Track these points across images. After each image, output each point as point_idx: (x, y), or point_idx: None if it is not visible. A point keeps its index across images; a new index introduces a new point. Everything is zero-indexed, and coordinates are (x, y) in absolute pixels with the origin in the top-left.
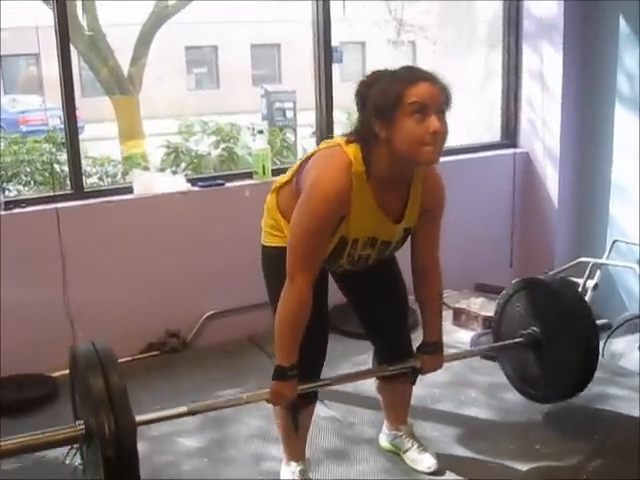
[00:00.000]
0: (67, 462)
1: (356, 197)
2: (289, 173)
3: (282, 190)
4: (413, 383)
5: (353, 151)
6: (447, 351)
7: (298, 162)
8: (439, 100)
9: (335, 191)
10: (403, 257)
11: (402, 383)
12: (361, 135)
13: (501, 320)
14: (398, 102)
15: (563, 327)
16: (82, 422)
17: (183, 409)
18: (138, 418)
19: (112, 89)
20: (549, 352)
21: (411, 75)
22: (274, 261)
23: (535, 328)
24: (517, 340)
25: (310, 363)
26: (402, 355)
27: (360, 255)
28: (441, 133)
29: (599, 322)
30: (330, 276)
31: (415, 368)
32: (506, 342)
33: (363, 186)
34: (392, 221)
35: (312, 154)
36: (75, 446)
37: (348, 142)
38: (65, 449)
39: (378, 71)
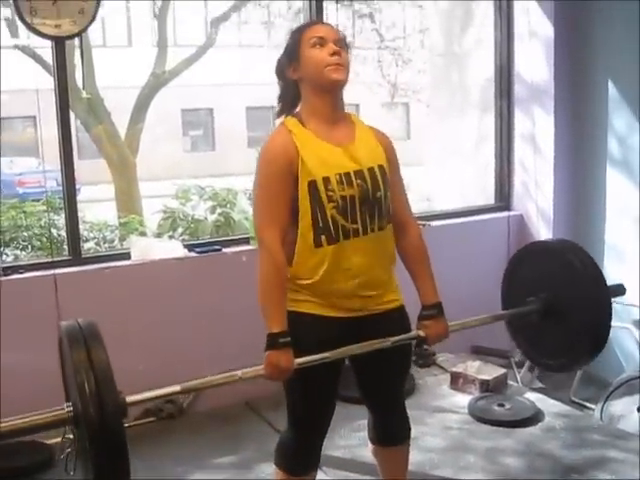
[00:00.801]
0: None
1: (299, 141)
2: None
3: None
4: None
5: (285, 118)
6: (444, 416)
7: None
8: (335, 35)
9: (276, 144)
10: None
11: (397, 445)
12: (286, 99)
13: (510, 288)
14: (300, 42)
15: (574, 290)
16: (70, 404)
17: (176, 387)
18: (129, 398)
19: (109, 152)
20: (562, 317)
21: (309, 22)
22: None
23: (545, 294)
24: (527, 308)
25: (315, 427)
26: (397, 422)
27: (343, 197)
28: (341, 55)
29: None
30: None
31: (421, 339)
32: (517, 310)
33: (302, 131)
34: (345, 144)
35: None
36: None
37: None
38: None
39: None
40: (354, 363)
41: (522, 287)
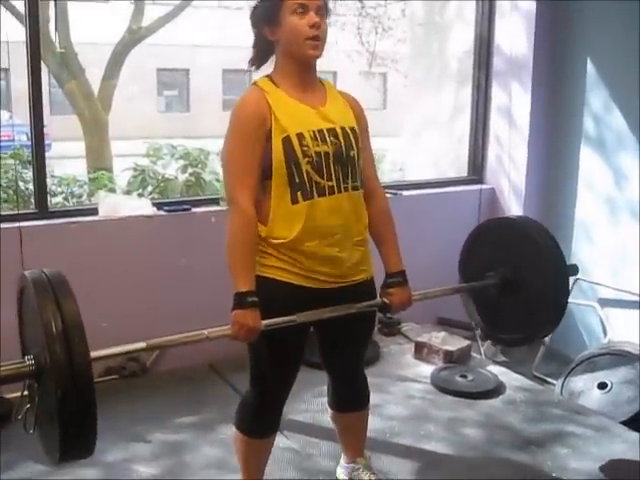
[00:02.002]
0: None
1: (271, 99)
2: None
3: None
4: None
5: (257, 79)
6: (407, 385)
7: None
8: (317, 3)
9: (248, 101)
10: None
11: (356, 411)
12: (257, 47)
13: (468, 264)
14: (282, 4)
15: (532, 265)
16: (31, 356)
17: (142, 345)
18: (93, 353)
19: (81, 108)
20: (520, 292)
21: None
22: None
23: (503, 268)
24: (486, 281)
25: (278, 390)
26: (356, 388)
27: (317, 153)
28: (321, 27)
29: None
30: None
31: (385, 305)
32: (477, 282)
33: (274, 91)
34: (316, 105)
35: None
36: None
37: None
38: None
39: None
40: (317, 329)
41: (481, 262)
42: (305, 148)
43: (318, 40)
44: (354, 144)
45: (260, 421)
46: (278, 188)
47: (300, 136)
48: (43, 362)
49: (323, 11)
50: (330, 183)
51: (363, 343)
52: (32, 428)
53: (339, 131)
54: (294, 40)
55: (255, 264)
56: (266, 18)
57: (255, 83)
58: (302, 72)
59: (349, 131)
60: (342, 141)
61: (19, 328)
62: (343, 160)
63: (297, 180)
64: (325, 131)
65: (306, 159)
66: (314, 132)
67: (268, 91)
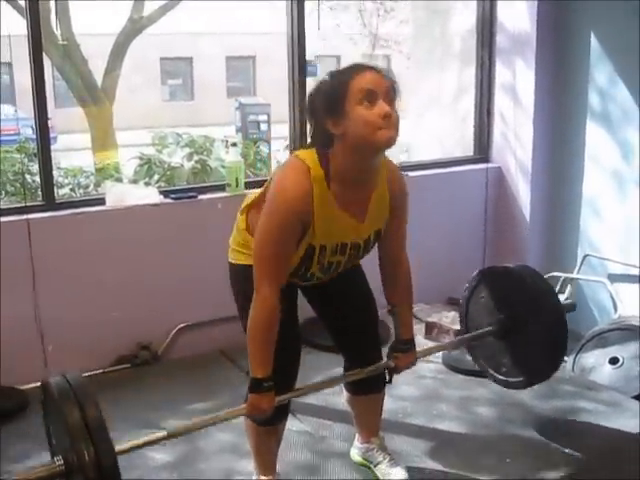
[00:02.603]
0: None
1: (318, 203)
2: (258, 193)
3: (252, 210)
4: (389, 382)
5: (309, 156)
6: (418, 365)
7: (267, 182)
8: (386, 87)
9: (296, 197)
10: (373, 264)
11: (372, 394)
12: (316, 141)
13: (468, 313)
14: (346, 93)
15: (529, 310)
16: (60, 458)
17: (162, 434)
18: (118, 447)
19: (85, 100)
20: (519, 337)
21: (356, 67)
22: (242, 278)
23: (502, 315)
24: (486, 329)
25: (283, 377)
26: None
27: (330, 262)
28: (393, 116)
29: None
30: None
31: (390, 368)
32: (475, 332)
33: (324, 192)
34: (357, 221)
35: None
36: None
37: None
38: None
39: (324, 78)
40: (320, 314)
41: (481, 309)
42: (321, 258)
43: (393, 129)
44: (371, 246)
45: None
46: None
47: (323, 248)
48: (71, 462)
49: (392, 95)
50: (331, 276)
51: (361, 301)
52: None
53: (362, 243)
54: (364, 133)
55: (273, 352)
56: (329, 110)
57: (307, 168)
58: (364, 168)
59: (372, 237)
60: (361, 249)
61: (46, 431)
62: (352, 260)
63: (300, 273)
64: (348, 245)
65: (318, 266)
66: (337, 246)
67: (317, 192)
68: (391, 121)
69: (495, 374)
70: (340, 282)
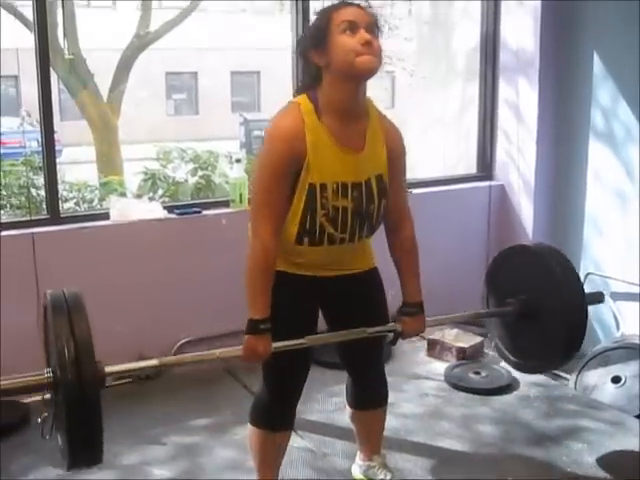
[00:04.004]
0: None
1: (310, 133)
2: None
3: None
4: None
5: (301, 98)
6: (421, 383)
7: None
8: (367, 18)
9: (288, 128)
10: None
11: (374, 408)
12: (306, 79)
13: (490, 289)
14: (329, 25)
15: (552, 295)
16: (50, 369)
17: (154, 362)
18: (107, 369)
19: (91, 114)
20: (538, 321)
21: (340, 3)
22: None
23: (524, 296)
24: (506, 308)
25: (289, 388)
26: (375, 386)
27: (335, 207)
28: (373, 44)
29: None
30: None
31: (396, 331)
32: (494, 309)
33: (315, 123)
34: (353, 151)
35: None
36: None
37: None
38: None
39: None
40: (331, 327)
41: (504, 287)
42: (324, 200)
43: (372, 55)
44: (376, 196)
45: (274, 415)
46: (289, 224)
47: (323, 187)
48: (57, 375)
49: (373, 27)
50: (343, 235)
51: (378, 322)
52: (49, 435)
53: (363, 185)
54: (345, 59)
55: (270, 293)
56: (313, 42)
57: (297, 104)
58: (351, 98)
59: (374, 182)
60: (364, 196)
61: (44, 342)
62: (361, 215)
63: (308, 228)
64: (349, 185)
65: (323, 211)
66: (337, 185)
67: (308, 124)
68: (372, 49)
69: (510, 356)
70: (359, 305)
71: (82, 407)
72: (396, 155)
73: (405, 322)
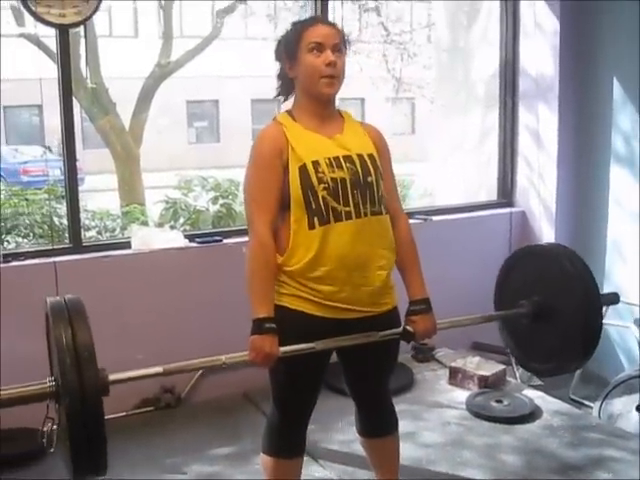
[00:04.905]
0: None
1: (290, 133)
2: None
3: None
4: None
5: (279, 114)
6: (442, 411)
7: None
8: (334, 39)
9: (266, 135)
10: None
11: (384, 436)
12: (281, 85)
13: (503, 290)
14: (299, 43)
15: (566, 295)
16: (53, 378)
17: (158, 369)
18: (112, 377)
19: (113, 143)
20: (553, 322)
21: (311, 20)
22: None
23: (537, 297)
24: (519, 310)
25: (299, 407)
26: (382, 414)
27: (333, 179)
28: (336, 65)
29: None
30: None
31: (409, 334)
32: (507, 311)
33: (293, 124)
34: (333, 135)
35: None
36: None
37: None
38: None
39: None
40: (341, 357)
41: (515, 289)
42: (321, 175)
43: (333, 78)
44: (372, 170)
45: (285, 441)
46: (296, 215)
47: (315, 163)
48: (59, 385)
49: (339, 47)
50: (347, 208)
51: (386, 370)
52: (52, 446)
53: (355, 158)
54: (310, 79)
55: (273, 291)
56: (286, 53)
57: (275, 118)
58: (319, 108)
59: (366, 157)
60: (359, 167)
61: (48, 350)
62: (361, 185)
63: (313, 206)
64: (341, 158)
65: (322, 185)
66: (330, 159)
67: (286, 125)
68: (336, 69)
69: (528, 361)
70: (371, 358)
71: (84, 413)
72: (382, 151)
73: (415, 322)
